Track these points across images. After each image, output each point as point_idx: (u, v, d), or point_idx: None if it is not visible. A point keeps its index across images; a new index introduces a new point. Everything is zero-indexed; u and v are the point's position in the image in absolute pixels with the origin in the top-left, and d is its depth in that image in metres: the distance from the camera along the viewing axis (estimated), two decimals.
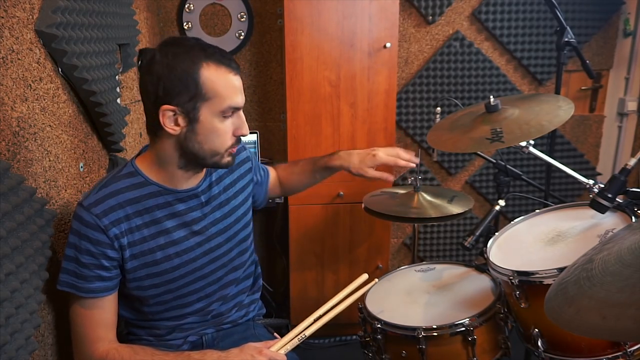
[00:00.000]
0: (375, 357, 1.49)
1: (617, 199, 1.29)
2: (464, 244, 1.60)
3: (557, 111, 1.47)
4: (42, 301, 1.06)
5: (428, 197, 1.85)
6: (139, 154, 1.20)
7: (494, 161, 1.82)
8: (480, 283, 1.58)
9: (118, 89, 1.57)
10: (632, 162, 1.26)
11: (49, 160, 1.19)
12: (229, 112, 1.09)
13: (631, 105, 2.66)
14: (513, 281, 1.27)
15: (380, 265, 2.42)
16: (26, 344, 0.96)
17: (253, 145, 2.44)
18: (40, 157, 1.14)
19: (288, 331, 1.20)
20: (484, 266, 1.54)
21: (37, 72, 1.14)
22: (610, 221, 1.36)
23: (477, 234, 1.60)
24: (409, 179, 2.69)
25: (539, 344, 1.28)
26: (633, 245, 0.75)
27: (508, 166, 1.77)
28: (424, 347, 1.35)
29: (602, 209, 1.29)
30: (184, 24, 2.47)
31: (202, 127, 1.08)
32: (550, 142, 1.93)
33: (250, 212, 1.37)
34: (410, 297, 1.57)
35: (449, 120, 1.71)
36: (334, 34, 2.15)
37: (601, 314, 0.68)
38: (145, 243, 1.14)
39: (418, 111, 2.62)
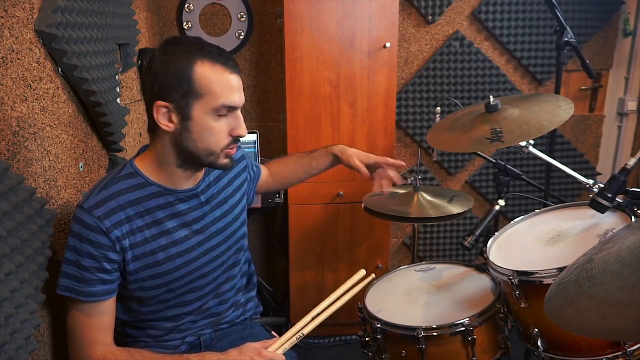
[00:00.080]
0: (375, 357, 1.49)
1: (617, 199, 1.29)
2: (464, 244, 1.60)
3: (557, 111, 1.47)
4: (42, 301, 1.06)
5: (428, 197, 1.85)
6: (138, 155, 1.20)
7: (494, 161, 1.82)
8: (480, 283, 1.58)
9: (118, 89, 1.57)
10: (632, 162, 1.26)
11: (49, 160, 1.19)
12: (222, 110, 1.07)
13: (631, 105, 2.66)
14: (513, 281, 1.27)
15: (380, 265, 2.42)
16: (26, 344, 0.96)
17: (253, 145, 2.44)
18: (40, 157, 1.14)
19: (287, 330, 1.20)
20: (484, 266, 1.54)
21: (37, 72, 1.14)
22: (610, 221, 1.36)
23: (477, 234, 1.60)
24: (409, 179, 2.68)
25: (539, 344, 1.28)
26: (633, 245, 0.75)
27: (508, 166, 1.77)
28: (424, 347, 1.35)
29: (602, 209, 1.29)
30: (184, 24, 2.47)
31: (195, 125, 1.07)
32: (550, 142, 1.93)
33: (246, 211, 1.38)
34: (410, 297, 1.57)
35: (449, 120, 1.71)
36: (334, 34, 2.15)
37: (601, 314, 0.68)
38: (147, 244, 1.14)
39: (418, 111, 2.62)
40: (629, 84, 2.66)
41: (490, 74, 2.59)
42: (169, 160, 1.13)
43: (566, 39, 1.77)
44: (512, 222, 1.54)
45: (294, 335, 1.17)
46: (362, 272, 1.35)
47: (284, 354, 1.15)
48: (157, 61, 1.06)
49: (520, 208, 2.75)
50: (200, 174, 1.22)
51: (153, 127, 1.12)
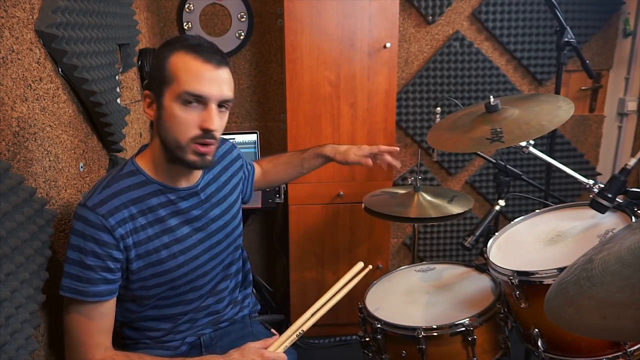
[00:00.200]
0: (375, 357, 1.49)
1: (617, 199, 1.29)
2: (464, 244, 1.60)
3: (557, 111, 1.47)
4: (42, 301, 1.06)
5: (428, 197, 1.85)
6: (138, 152, 1.20)
7: (494, 161, 1.82)
8: (480, 283, 1.58)
9: (118, 89, 1.57)
10: (632, 162, 1.26)
11: (49, 160, 1.19)
12: (188, 98, 1.04)
13: (631, 105, 2.66)
14: (513, 281, 1.27)
15: (380, 265, 2.42)
16: (26, 344, 0.96)
17: (253, 145, 2.44)
18: (40, 157, 1.14)
19: (286, 327, 1.20)
20: (484, 266, 1.54)
21: (37, 72, 1.14)
22: (610, 221, 1.36)
23: (477, 234, 1.60)
24: (409, 179, 2.69)
25: (539, 344, 1.28)
26: (633, 245, 0.75)
27: (508, 166, 1.77)
28: (424, 347, 1.35)
29: (602, 209, 1.29)
30: (184, 24, 2.47)
31: (165, 113, 1.07)
32: (550, 142, 1.93)
33: (241, 209, 1.38)
34: (410, 297, 1.57)
35: (449, 120, 1.71)
36: (334, 34, 2.15)
37: (601, 314, 0.68)
38: (150, 242, 1.14)
39: (418, 111, 2.62)
40: (629, 84, 2.66)
41: (490, 74, 2.59)
42: (160, 156, 1.13)
43: (566, 39, 1.77)
44: (512, 222, 1.54)
45: (294, 333, 1.17)
46: (360, 265, 1.34)
47: (285, 352, 1.15)
48: (152, 56, 1.10)
49: (520, 208, 2.75)
50: (198, 172, 1.22)
51: (150, 122, 1.13)
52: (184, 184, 1.18)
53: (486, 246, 1.47)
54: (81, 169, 1.37)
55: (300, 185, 2.29)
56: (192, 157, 1.08)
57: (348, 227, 2.38)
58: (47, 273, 1.09)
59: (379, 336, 1.42)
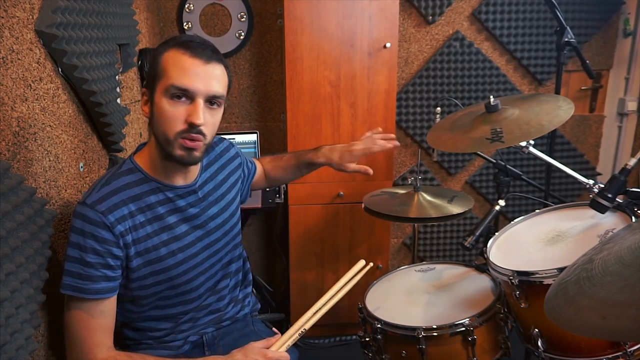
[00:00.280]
0: (375, 357, 1.49)
1: (617, 199, 1.29)
2: (464, 244, 1.60)
3: (557, 111, 1.47)
4: (42, 301, 1.06)
5: (428, 197, 1.85)
6: (137, 151, 1.20)
7: (494, 161, 1.82)
8: (480, 283, 1.58)
9: (118, 89, 1.57)
10: (632, 162, 1.26)
11: (49, 160, 1.19)
12: (175, 92, 1.05)
13: (631, 105, 2.66)
14: (513, 281, 1.27)
15: (380, 265, 2.42)
16: (26, 344, 0.96)
17: (253, 145, 2.44)
18: (40, 157, 1.14)
19: (286, 325, 1.20)
20: (484, 266, 1.54)
21: (37, 72, 1.14)
22: (610, 221, 1.36)
23: (477, 234, 1.60)
24: (409, 179, 2.69)
25: (539, 344, 1.28)
26: (633, 245, 0.75)
27: (508, 166, 1.77)
28: (424, 347, 1.35)
29: (602, 209, 1.29)
30: (184, 24, 2.47)
31: (156, 109, 1.08)
32: (550, 142, 1.93)
33: (239, 208, 1.39)
34: (410, 297, 1.57)
35: (449, 120, 1.71)
36: (334, 34, 2.15)
37: (601, 314, 0.68)
38: (149, 240, 1.14)
39: (418, 111, 2.62)
40: (629, 84, 2.66)
41: (490, 74, 2.59)
42: (156, 153, 1.14)
43: (566, 39, 1.77)
44: (512, 222, 1.54)
45: (296, 332, 1.17)
46: (362, 262, 1.34)
47: (287, 351, 1.15)
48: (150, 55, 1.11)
49: (520, 208, 2.75)
50: (195, 170, 1.22)
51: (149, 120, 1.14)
52: (181, 182, 1.19)
53: (486, 246, 1.47)
54: (81, 169, 1.37)
55: (300, 185, 2.29)
56: (179, 152, 1.08)
57: (348, 227, 2.38)
58: (47, 273, 1.09)
59: (379, 336, 1.42)
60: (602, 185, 1.33)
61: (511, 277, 1.28)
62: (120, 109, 1.57)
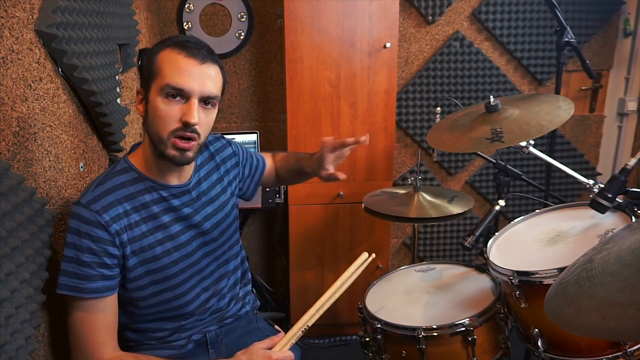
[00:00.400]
0: (375, 357, 1.49)
1: (617, 199, 1.29)
2: (464, 244, 1.60)
3: (557, 111, 1.47)
4: (42, 301, 1.06)
5: (428, 197, 1.85)
6: (131, 151, 1.21)
7: (494, 161, 1.82)
8: (480, 283, 1.58)
9: (118, 89, 1.57)
10: (632, 162, 1.26)
11: (49, 160, 1.19)
12: (170, 91, 1.05)
13: (631, 105, 2.66)
14: (513, 281, 1.27)
15: (380, 265, 2.42)
16: (26, 344, 0.96)
17: (253, 145, 2.44)
18: (40, 157, 1.14)
19: (286, 325, 1.20)
20: (484, 266, 1.54)
21: (37, 72, 1.14)
22: (610, 221, 1.36)
23: (477, 234, 1.60)
24: (409, 179, 2.69)
25: (539, 344, 1.28)
26: (633, 245, 0.75)
27: (508, 166, 1.77)
28: (424, 347, 1.35)
29: (602, 209, 1.29)
30: (184, 24, 2.47)
31: (150, 107, 1.08)
32: (550, 142, 1.93)
33: (237, 207, 1.38)
34: (410, 297, 1.57)
35: (449, 120, 1.71)
36: (334, 34, 2.15)
37: (601, 314, 0.68)
38: (144, 239, 1.15)
39: (418, 111, 2.62)
40: (629, 84, 2.66)
41: (490, 74, 2.59)
42: (150, 152, 1.14)
43: (566, 39, 1.77)
44: (512, 222, 1.54)
45: (299, 329, 1.17)
46: (364, 255, 1.33)
47: (290, 349, 1.15)
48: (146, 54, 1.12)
49: (520, 208, 2.75)
50: (189, 170, 1.22)
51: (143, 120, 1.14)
52: (175, 181, 1.19)
53: (486, 246, 1.47)
54: (81, 169, 1.37)
55: (300, 185, 2.28)
56: (171, 152, 1.08)
57: (348, 227, 2.38)
58: (47, 273, 1.09)
59: (379, 336, 1.43)
60: (602, 185, 1.33)
61: (511, 277, 1.28)
62: (120, 109, 1.57)
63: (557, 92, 1.86)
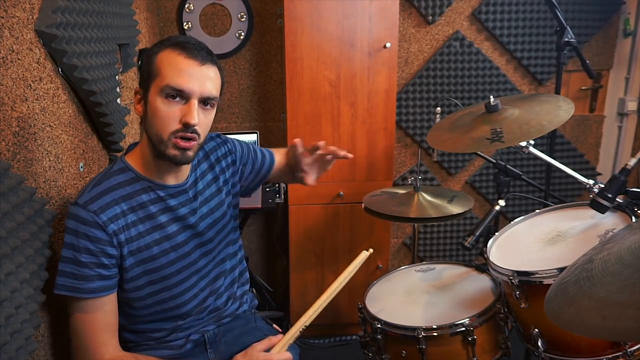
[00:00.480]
0: (375, 357, 1.49)
1: (617, 199, 1.29)
2: (464, 244, 1.60)
3: (557, 111, 1.47)
4: (42, 301, 1.06)
5: (428, 197, 1.85)
6: (127, 151, 1.21)
7: (494, 161, 1.82)
8: (480, 283, 1.58)
9: (118, 89, 1.57)
10: (632, 162, 1.26)
11: (49, 160, 1.19)
12: (170, 92, 1.05)
13: (631, 105, 2.66)
14: (513, 281, 1.27)
15: (380, 265, 2.42)
16: (26, 344, 0.96)
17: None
18: (40, 157, 1.14)
19: (285, 324, 1.20)
20: (484, 266, 1.54)
21: (37, 72, 1.14)
22: (610, 221, 1.36)
23: (477, 234, 1.60)
24: (409, 179, 2.69)
25: (539, 344, 1.28)
26: (633, 245, 0.75)
27: (508, 166, 1.77)
28: (424, 347, 1.35)
29: (602, 209, 1.29)
30: (184, 24, 2.47)
31: (150, 108, 1.09)
32: (550, 142, 1.93)
33: (237, 205, 1.37)
34: (410, 297, 1.57)
35: (449, 120, 1.71)
36: (334, 34, 2.15)
37: (601, 314, 0.68)
38: (141, 239, 1.15)
39: (418, 111, 2.62)
40: (629, 84, 2.66)
41: (490, 74, 2.59)
42: (148, 152, 1.14)
43: (566, 39, 1.77)
44: (512, 222, 1.54)
45: (298, 330, 1.17)
46: (364, 254, 1.33)
47: (288, 347, 1.15)
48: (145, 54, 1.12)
49: (520, 208, 2.75)
50: (186, 170, 1.22)
51: (141, 120, 1.14)
52: (172, 181, 1.19)
53: (486, 246, 1.47)
54: (81, 169, 1.37)
55: (300, 185, 2.27)
56: (172, 152, 1.09)
57: (348, 227, 2.38)
58: (47, 273, 1.09)
59: (379, 336, 1.43)
60: (602, 185, 1.33)
61: (511, 277, 1.28)
62: (120, 109, 1.57)
63: (557, 92, 1.86)
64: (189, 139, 1.08)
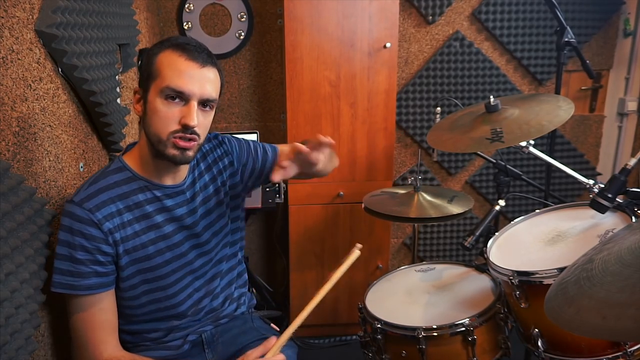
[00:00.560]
0: (375, 357, 1.49)
1: (617, 199, 1.29)
2: (464, 244, 1.60)
3: (557, 111, 1.47)
4: (42, 301, 1.06)
5: (428, 197, 1.85)
6: (126, 151, 1.21)
7: (494, 161, 1.82)
8: (480, 283, 1.58)
9: (118, 89, 1.57)
10: (632, 162, 1.26)
11: (49, 160, 1.19)
12: (170, 93, 1.06)
13: (631, 105, 2.66)
14: (513, 281, 1.27)
15: (380, 265, 2.42)
16: (26, 344, 0.96)
17: None
18: (40, 157, 1.14)
19: (284, 323, 1.19)
20: (484, 266, 1.54)
21: (37, 72, 1.14)
22: (610, 221, 1.36)
23: (477, 234, 1.60)
24: (409, 179, 2.69)
25: (539, 344, 1.28)
26: (633, 245, 0.75)
27: (508, 166, 1.77)
28: (424, 347, 1.35)
29: (602, 209, 1.29)
30: (184, 24, 2.47)
31: (149, 108, 1.09)
32: (550, 142, 1.93)
33: (237, 207, 1.36)
34: (410, 297, 1.57)
35: (449, 120, 1.71)
36: (334, 34, 2.15)
37: (601, 314, 0.68)
38: (137, 238, 1.14)
39: (418, 111, 2.62)
40: (629, 84, 2.66)
41: (490, 74, 2.59)
42: (146, 152, 1.14)
43: (566, 39, 1.77)
44: (512, 222, 1.54)
45: (291, 332, 1.16)
46: (357, 253, 1.29)
47: (285, 347, 1.14)
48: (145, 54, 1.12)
49: (520, 208, 2.75)
50: (184, 171, 1.22)
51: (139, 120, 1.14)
52: (169, 181, 1.19)
53: (486, 246, 1.47)
54: (81, 169, 1.37)
55: (300, 185, 2.29)
56: (172, 151, 1.09)
57: (348, 227, 2.38)
58: (46, 273, 1.09)
59: (379, 336, 1.42)
60: (602, 185, 1.33)
61: (511, 277, 1.28)
62: (120, 109, 1.57)
63: (557, 92, 1.85)
64: (189, 140, 1.09)
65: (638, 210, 1.30)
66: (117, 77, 1.58)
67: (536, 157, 1.57)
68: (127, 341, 1.24)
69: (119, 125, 1.57)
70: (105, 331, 1.12)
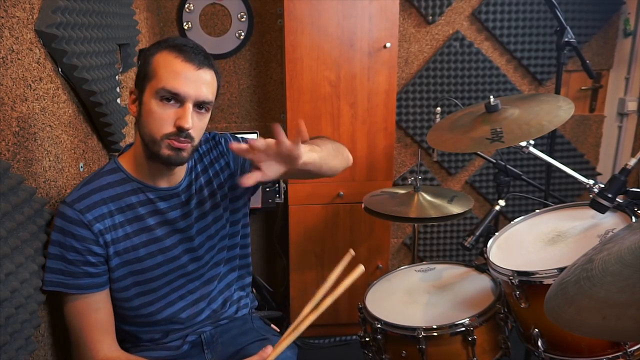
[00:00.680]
0: (375, 357, 1.49)
1: (617, 199, 1.29)
2: (464, 244, 1.60)
3: (557, 111, 1.47)
4: (42, 301, 1.06)
5: (428, 197, 1.85)
6: (122, 152, 1.21)
7: (494, 161, 1.82)
8: (480, 283, 1.58)
9: (118, 89, 1.57)
10: (632, 162, 1.26)
11: (49, 160, 1.19)
12: (165, 94, 1.05)
13: (631, 105, 2.66)
14: (513, 281, 1.27)
15: (380, 265, 2.42)
16: (26, 344, 0.96)
17: None
18: (40, 157, 1.14)
19: (284, 324, 1.18)
20: (484, 266, 1.54)
21: (37, 72, 1.14)
22: (610, 221, 1.36)
23: (477, 234, 1.60)
24: (409, 179, 2.69)
25: (539, 344, 1.28)
26: (633, 245, 0.75)
27: (508, 166, 1.77)
28: (424, 347, 1.35)
29: (602, 209, 1.29)
30: (184, 24, 2.47)
31: (144, 109, 1.08)
32: (550, 142, 1.93)
33: (237, 210, 1.33)
34: (410, 297, 1.57)
35: (449, 120, 1.71)
36: (334, 34, 2.15)
37: (601, 314, 0.68)
38: (128, 240, 1.14)
39: (418, 111, 2.62)
40: (629, 84, 2.66)
41: (490, 74, 2.59)
42: (141, 153, 1.13)
43: (566, 39, 1.77)
44: (512, 222, 1.54)
45: (290, 342, 1.14)
46: (361, 269, 1.28)
47: (283, 353, 1.14)
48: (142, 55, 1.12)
49: (520, 208, 2.75)
50: (180, 174, 1.21)
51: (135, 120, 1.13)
52: (164, 184, 1.18)
53: (486, 246, 1.47)
54: (81, 169, 1.37)
55: (300, 185, 2.29)
56: (166, 152, 1.08)
57: (348, 227, 2.38)
58: None
59: (379, 336, 1.42)
60: (602, 185, 1.33)
61: (511, 277, 1.28)
62: (120, 109, 1.57)
63: (557, 92, 1.85)
64: (183, 142, 1.08)
65: (638, 210, 1.30)
66: (117, 77, 1.58)
67: (536, 157, 1.57)
68: (126, 341, 1.24)
69: (119, 125, 1.57)
70: (100, 331, 1.12)
